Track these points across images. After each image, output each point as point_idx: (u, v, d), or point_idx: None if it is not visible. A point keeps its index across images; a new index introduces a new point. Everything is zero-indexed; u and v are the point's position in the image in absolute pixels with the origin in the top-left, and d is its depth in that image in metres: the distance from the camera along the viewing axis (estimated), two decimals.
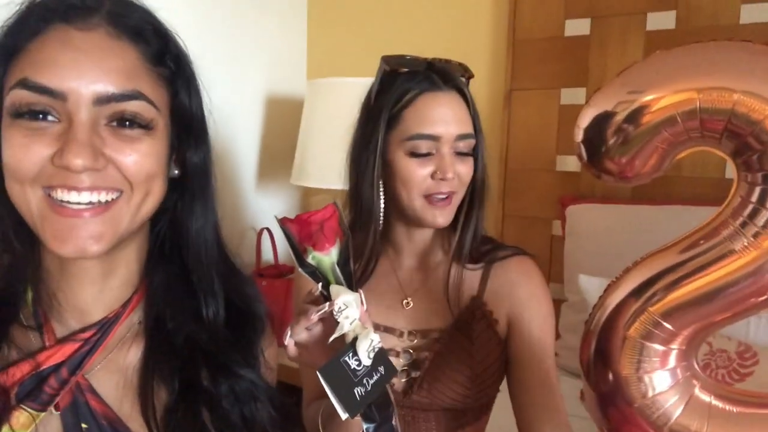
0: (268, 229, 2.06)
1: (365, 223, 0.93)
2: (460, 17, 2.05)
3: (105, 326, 0.60)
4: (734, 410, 0.91)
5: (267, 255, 2.07)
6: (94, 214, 0.53)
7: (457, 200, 0.91)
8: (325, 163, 1.80)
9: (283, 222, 0.66)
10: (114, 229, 0.55)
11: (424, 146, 0.88)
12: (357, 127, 0.95)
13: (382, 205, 0.92)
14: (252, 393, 0.63)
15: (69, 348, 0.58)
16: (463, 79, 0.93)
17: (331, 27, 2.32)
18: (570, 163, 1.88)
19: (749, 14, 1.62)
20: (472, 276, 0.94)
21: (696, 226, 1.01)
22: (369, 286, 0.94)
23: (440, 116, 0.88)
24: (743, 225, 0.86)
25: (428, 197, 0.88)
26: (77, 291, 0.60)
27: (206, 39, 1.92)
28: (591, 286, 1.45)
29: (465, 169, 0.90)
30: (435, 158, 0.88)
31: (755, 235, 0.85)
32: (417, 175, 0.88)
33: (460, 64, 0.94)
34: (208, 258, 0.64)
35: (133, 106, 0.55)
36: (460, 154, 0.89)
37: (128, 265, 0.63)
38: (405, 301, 0.94)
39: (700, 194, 1.62)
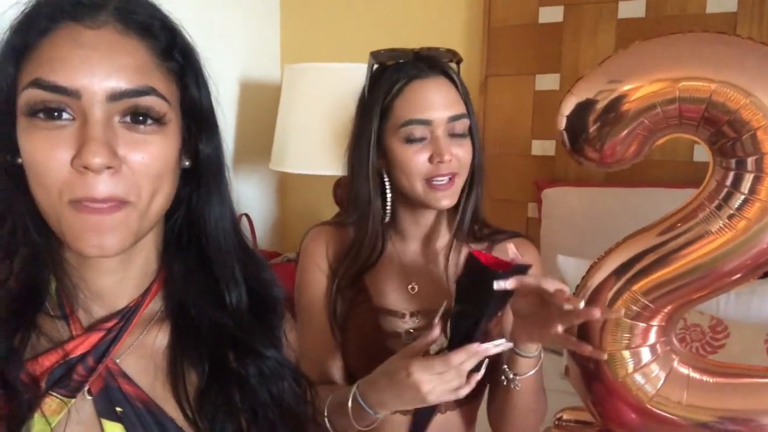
0: (247, 216, 2.06)
1: (363, 213, 0.95)
2: (436, 5, 2.06)
3: (127, 314, 0.62)
4: (711, 381, 0.97)
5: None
6: (113, 210, 0.55)
7: (460, 182, 0.93)
8: (305, 149, 1.81)
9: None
10: (129, 229, 0.56)
11: (417, 131, 0.90)
12: (353, 123, 0.97)
13: (389, 195, 0.94)
14: (278, 372, 0.66)
15: (94, 337, 0.60)
16: (453, 64, 0.95)
17: (304, 12, 2.30)
18: (545, 148, 1.92)
19: (715, 4, 1.68)
20: None
21: (666, 207, 1.06)
22: (374, 269, 0.97)
23: (429, 101, 0.90)
24: (719, 207, 0.92)
25: (429, 181, 0.90)
26: (98, 280, 0.61)
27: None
28: (568, 266, 1.51)
29: (462, 151, 0.91)
30: (430, 142, 0.90)
31: (730, 217, 0.90)
32: (415, 160, 0.90)
33: (448, 50, 0.95)
34: (227, 246, 0.65)
35: (146, 101, 0.55)
36: (456, 136, 0.91)
37: (146, 256, 0.64)
38: (410, 286, 0.97)
39: (670, 177, 1.69)
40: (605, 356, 0.90)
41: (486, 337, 0.80)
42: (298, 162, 1.83)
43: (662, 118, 0.94)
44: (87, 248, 0.54)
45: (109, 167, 0.53)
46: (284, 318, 0.70)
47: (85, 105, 0.53)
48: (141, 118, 0.56)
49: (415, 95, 0.90)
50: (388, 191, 0.94)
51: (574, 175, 1.85)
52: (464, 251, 0.97)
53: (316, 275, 1.00)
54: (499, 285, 0.76)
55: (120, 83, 0.54)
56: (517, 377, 0.90)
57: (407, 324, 0.94)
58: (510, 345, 0.80)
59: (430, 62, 0.93)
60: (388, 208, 0.95)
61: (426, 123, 0.89)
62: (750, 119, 0.86)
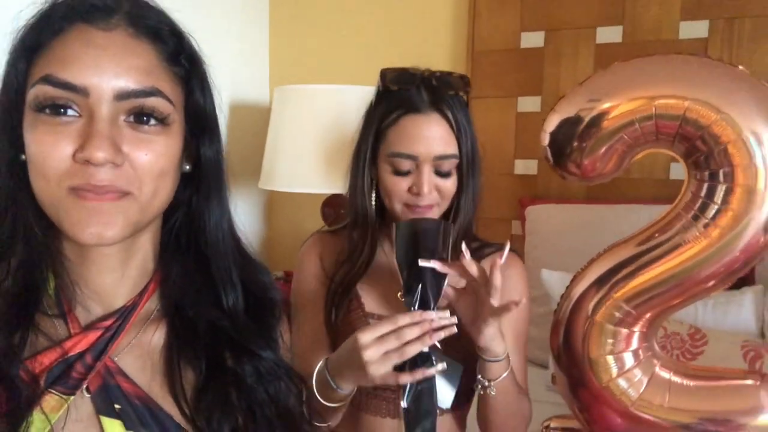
0: None
1: (361, 224, 0.98)
2: (421, 29, 2.13)
3: (124, 314, 0.63)
4: (691, 384, 1.01)
5: None
6: (113, 199, 0.55)
7: (438, 210, 0.96)
8: (294, 168, 1.84)
9: None
10: (127, 219, 0.57)
11: (403, 165, 0.93)
12: (358, 136, 1.00)
13: (372, 211, 0.97)
14: (275, 372, 0.66)
15: (92, 336, 0.60)
16: (462, 93, 0.97)
17: (293, 36, 2.36)
18: (528, 167, 1.98)
19: (687, 30, 1.76)
20: None
21: (643, 222, 1.11)
22: (367, 277, 1.00)
23: (419, 138, 0.93)
24: (695, 218, 0.97)
25: (408, 206, 0.94)
26: (97, 278, 0.62)
27: None
28: (552, 280, 1.55)
29: (446, 186, 0.95)
30: (414, 175, 0.94)
31: (705, 226, 0.95)
32: (397, 188, 0.94)
33: (461, 77, 0.99)
34: (225, 249, 0.66)
35: (151, 102, 0.57)
36: (443, 173, 0.94)
37: (143, 255, 0.65)
38: (400, 293, 1.00)
39: (647, 194, 1.75)
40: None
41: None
42: (288, 181, 1.86)
43: (640, 134, 0.99)
44: (85, 235, 0.55)
45: (111, 163, 0.54)
46: (281, 320, 0.71)
47: (92, 103, 0.55)
48: (145, 118, 0.57)
49: (407, 129, 0.94)
50: (372, 206, 0.97)
51: (556, 193, 1.91)
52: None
53: (312, 281, 1.02)
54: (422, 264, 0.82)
55: (128, 83, 0.56)
56: (492, 382, 0.92)
57: None
58: (454, 320, 0.82)
59: (433, 95, 0.94)
60: (374, 221, 0.98)
61: (412, 158, 0.93)
62: (721, 134, 0.92)
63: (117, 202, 0.56)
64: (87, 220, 0.55)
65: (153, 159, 0.57)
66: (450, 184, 0.94)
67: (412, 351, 0.79)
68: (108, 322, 0.61)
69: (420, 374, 0.80)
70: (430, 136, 0.92)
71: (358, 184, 0.98)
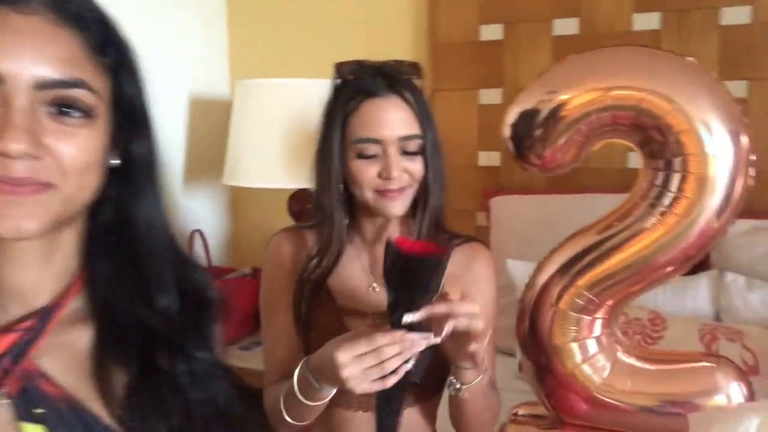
0: (199, 231, 2.04)
1: (329, 219, 0.98)
2: (382, 22, 2.12)
3: (45, 314, 0.59)
4: (652, 368, 1.05)
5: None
6: (32, 192, 0.52)
7: (410, 191, 0.96)
8: (259, 163, 1.82)
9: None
10: (48, 212, 0.54)
11: (369, 149, 0.93)
12: (318, 132, 1.00)
13: (341, 206, 0.97)
14: (212, 372, 0.64)
15: (10, 338, 0.57)
16: (417, 79, 0.98)
17: (252, 29, 2.32)
18: (491, 158, 1.99)
19: (640, 22, 1.80)
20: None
21: (603, 210, 1.14)
22: (337, 272, 0.99)
23: (382, 120, 0.93)
24: (652, 205, 1.00)
25: (379, 191, 0.94)
26: (16, 276, 0.59)
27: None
28: (517, 269, 1.58)
29: (414, 167, 0.95)
30: (381, 159, 0.94)
31: (662, 214, 0.98)
32: (365, 174, 0.94)
33: (412, 64, 0.99)
34: (158, 246, 0.63)
35: (74, 93, 0.54)
36: (409, 153, 0.95)
37: (66, 251, 0.61)
38: (370, 287, 1.00)
39: (606, 183, 1.78)
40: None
41: (423, 329, 0.80)
42: (253, 176, 1.84)
43: (597, 124, 1.02)
44: (2, 229, 0.52)
45: (30, 155, 0.51)
46: (218, 319, 0.69)
47: (8, 91, 0.51)
48: (68, 109, 0.54)
49: (369, 114, 0.94)
50: (341, 202, 0.97)
51: (519, 184, 1.94)
52: None
53: (280, 279, 1.02)
54: (406, 320, 0.77)
55: (48, 72, 0.52)
56: (464, 386, 0.92)
57: (370, 322, 0.97)
58: (437, 340, 0.80)
59: (389, 80, 0.95)
60: (344, 217, 0.98)
61: (377, 141, 0.93)
62: (674, 124, 0.94)
63: (37, 195, 0.53)
64: (4, 213, 0.52)
65: (76, 152, 0.54)
66: (418, 165, 0.95)
67: (391, 366, 0.78)
68: (28, 323, 0.58)
69: (394, 379, 0.79)
70: (393, 117, 0.93)
71: (326, 179, 0.97)
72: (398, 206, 0.94)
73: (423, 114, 0.95)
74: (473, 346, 0.83)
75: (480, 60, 1.98)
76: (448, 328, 0.79)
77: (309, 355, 0.88)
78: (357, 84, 0.95)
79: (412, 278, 0.79)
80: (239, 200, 2.40)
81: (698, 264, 1.56)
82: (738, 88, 1.65)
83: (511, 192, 1.90)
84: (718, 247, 1.57)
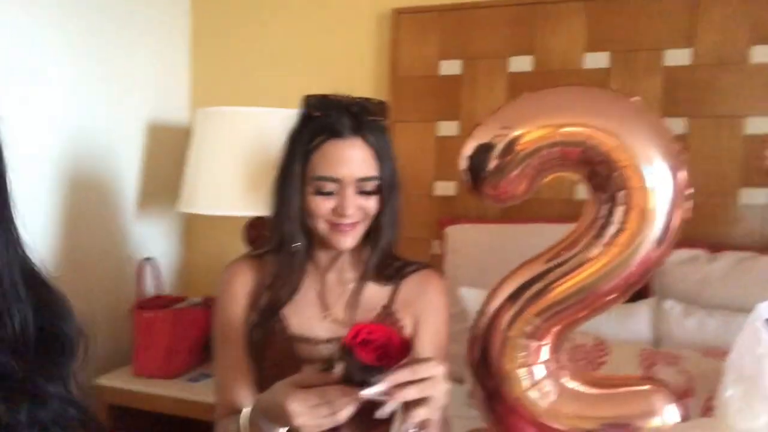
0: (150, 259, 2.01)
1: (288, 248, 0.99)
2: (345, 54, 2.16)
3: None
4: (595, 392, 1.08)
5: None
6: None
7: (360, 228, 0.99)
8: (217, 191, 1.81)
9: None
10: None
11: (327, 186, 0.97)
12: (280, 161, 1.02)
13: (301, 237, 0.98)
14: (63, 418, 0.57)
15: None
16: (381, 118, 1.01)
17: (214, 57, 2.34)
18: (446, 188, 2.05)
19: (591, 61, 1.90)
20: (384, 290, 1.04)
21: (553, 239, 1.19)
22: (291, 301, 1.00)
23: (343, 161, 0.97)
24: (596, 236, 1.05)
25: (332, 225, 0.97)
26: None
27: (83, 66, 1.86)
28: (470, 296, 1.61)
29: (369, 204, 0.99)
30: (338, 196, 0.97)
31: (606, 244, 1.03)
32: (321, 209, 0.97)
33: (380, 103, 1.02)
34: (8, 277, 0.59)
35: None
36: (365, 192, 0.98)
37: None
38: (325, 314, 1.01)
39: (555, 213, 1.85)
40: None
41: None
42: (210, 203, 1.83)
43: (547, 159, 1.07)
44: None
45: None
46: (73, 355, 0.62)
47: None
48: None
49: (330, 154, 0.97)
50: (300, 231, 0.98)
51: (474, 213, 1.99)
52: (369, 286, 1.03)
53: (235, 308, 1.02)
54: (368, 393, 0.78)
55: None
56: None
57: (323, 350, 0.98)
58: (393, 406, 0.80)
59: (354, 121, 0.98)
60: (302, 245, 0.99)
61: (335, 180, 0.96)
62: (618, 159, 1.00)
63: None
64: None
65: None
66: (373, 203, 0.98)
67: (344, 416, 0.80)
68: None
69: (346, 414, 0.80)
70: (353, 159, 0.96)
71: (285, 210, 0.99)
72: (349, 240, 0.98)
73: (383, 154, 0.98)
74: (425, 412, 0.83)
75: (439, 93, 2.04)
76: (405, 394, 0.79)
77: (257, 399, 0.88)
78: (322, 121, 0.98)
79: (370, 374, 0.79)
80: (192, 228, 2.37)
81: (639, 292, 1.63)
82: (679, 124, 1.76)
83: (465, 221, 1.95)
84: (658, 276, 1.65)
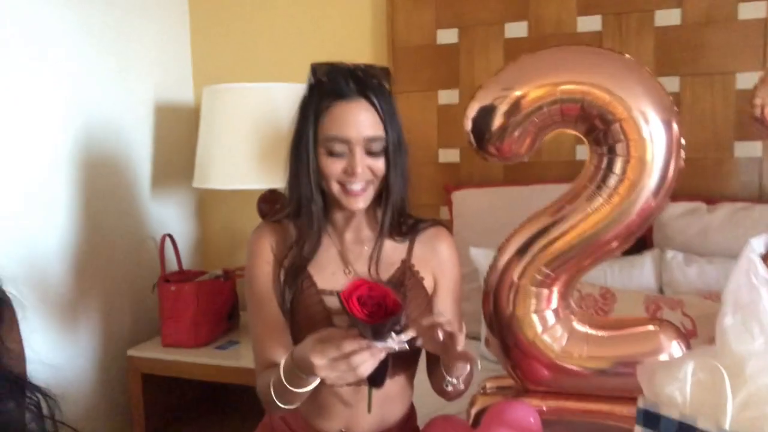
0: (170, 236, 2.08)
1: (306, 209, 1.05)
2: (344, 26, 2.20)
3: None
4: (605, 335, 1.16)
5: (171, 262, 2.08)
6: None
7: (372, 189, 1.04)
8: (229, 166, 1.87)
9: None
10: None
11: (337, 147, 1.02)
12: (293, 127, 1.07)
13: (318, 195, 1.04)
14: None
15: None
16: (385, 83, 1.06)
17: (214, 35, 2.36)
18: (451, 155, 2.10)
19: (583, 24, 1.93)
20: (401, 246, 1.10)
21: (554, 198, 1.24)
22: (315, 259, 1.06)
23: (350, 122, 1.01)
24: (598, 187, 1.11)
25: (344, 186, 1.03)
26: None
27: (89, 55, 1.90)
28: (480, 256, 1.68)
29: (377, 165, 1.03)
30: (348, 157, 1.03)
31: (608, 195, 1.10)
32: (332, 170, 1.03)
33: (382, 69, 1.08)
34: None
35: None
36: (373, 153, 1.03)
37: None
38: (346, 270, 1.07)
39: (556, 174, 1.90)
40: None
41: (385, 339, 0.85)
42: (222, 179, 1.89)
43: (548, 116, 1.12)
44: None
45: None
46: (4, 324, 0.61)
47: None
48: None
49: (338, 115, 1.02)
50: (318, 191, 1.05)
51: (478, 178, 2.05)
52: (388, 244, 1.09)
53: (264, 269, 1.08)
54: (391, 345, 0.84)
55: None
56: (460, 378, 1.03)
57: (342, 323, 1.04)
58: (404, 347, 0.87)
59: (360, 84, 1.03)
60: (321, 204, 1.05)
61: (345, 141, 1.01)
62: (615, 113, 1.06)
63: None
64: None
65: None
66: (381, 164, 1.03)
67: (365, 371, 0.85)
68: None
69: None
70: (359, 120, 1.01)
71: (301, 170, 1.05)
72: (361, 203, 1.03)
73: (388, 116, 1.03)
74: (460, 347, 0.91)
75: (437, 63, 2.08)
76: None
77: (292, 351, 0.94)
78: (330, 85, 1.03)
79: (369, 329, 0.84)
80: (207, 204, 2.43)
81: (642, 245, 1.71)
82: (672, 83, 1.80)
83: (470, 186, 2.01)
84: (659, 229, 1.71)
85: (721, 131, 1.82)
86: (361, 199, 1.04)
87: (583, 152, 1.89)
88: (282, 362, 0.94)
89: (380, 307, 0.83)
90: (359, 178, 1.02)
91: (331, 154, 1.02)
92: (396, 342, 0.86)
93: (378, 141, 1.02)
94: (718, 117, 1.82)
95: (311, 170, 1.04)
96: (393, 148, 1.04)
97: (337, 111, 1.02)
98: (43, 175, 1.79)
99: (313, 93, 1.05)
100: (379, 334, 0.83)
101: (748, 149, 1.80)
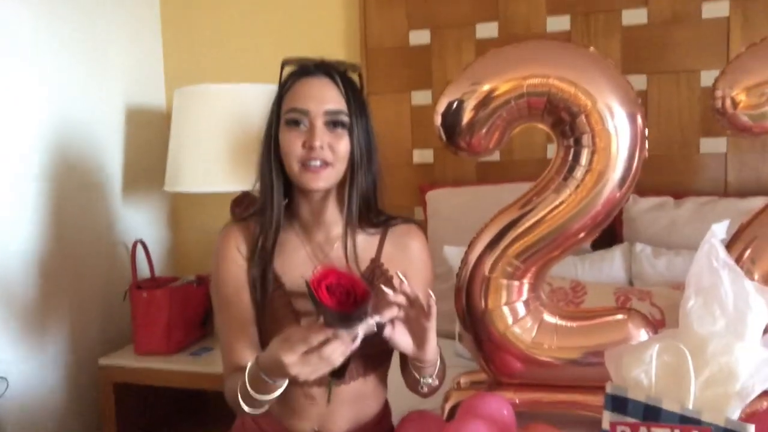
0: (142, 241, 2.04)
1: (268, 197, 1.04)
2: (316, 27, 2.20)
3: None
4: (574, 325, 1.17)
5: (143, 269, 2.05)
6: None
7: (333, 170, 1.01)
8: (201, 169, 1.84)
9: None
10: None
11: (295, 117, 1.01)
12: (266, 120, 1.06)
13: (280, 184, 1.03)
14: None
15: None
16: (352, 73, 1.06)
17: (186, 36, 2.34)
18: (424, 156, 2.11)
19: (553, 24, 1.96)
20: (370, 242, 1.08)
21: None
22: (283, 259, 1.05)
23: (309, 94, 1.01)
24: (565, 179, 1.12)
25: (304, 164, 1.01)
26: None
27: (58, 56, 1.86)
28: (453, 254, 1.69)
29: (338, 143, 1.00)
30: (308, 131, 1.01)
31: (575, 186, 1.11)
32: (292, 143, 1.01)
33: (353, 65, 1.08)
34: None
35: None
36: (335, 129, 1.01)
37: None
38: (314, 270, 1.05)
39: (529, 173, 1.90)
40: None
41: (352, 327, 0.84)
42: (194, 181, 1.87)
43: (515, 110, 1.14)
44: None
45: None
46: None
47: None
48: None
49: (299, 89, 1.03)
50: (277, 179, 1.04)
51: (452, 178, 2.06)
52: (359, 236, 1.08)
53: (231, 270, 1.06)
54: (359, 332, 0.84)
55: None
56: (432, 376, 1.03)
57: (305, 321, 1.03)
58: (373, 329, 0.86)
59: (325, 66, 1.04)
60: (281, 192, 1.05)
61: (304, 112, 1.01)
62: (579, 105, 1.07)
63: None
64: None
65: None
66: (343, 144, 1.01)
67: (338, 360, 0.84)
68: None
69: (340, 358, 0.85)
70: (320, 94, 1.01)
71: (265, 154, 1.04)
72: (321, 181, 1.01)
73: (353, 101, 1.02)
74: (430, 337, 0.93)
75: (410, 64, 2.10)
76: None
77: (258, 356, 0.92)
78: (296, 71, 1.04)
79: (337, 318, 0.83)
80: (180, 208, 2.40)
81: (612, 239, 1.73)
82: (639, 81, 1.84)
83: (444, 185, 2.02)
84: (628, 223, 1.74)
85: (687, 128, 1.85)
86: (321, 177, 1.01)
87: (553, 151, 1.91)
88: (247, 368, 0.93)
89: (349, 295, 0.83)
90: (318, 153, 1.00)
91: (289, 123, 1.01)
92: (364, 328, 0.85)
93: (339, 115, 1.01)
94: (684, 114, 1.85)
95: (272, 152, 1.04)
96: (359, 132, 1.02)
97: (298, 86, 1.03)
98: (9, 179, 1.75)
99: (281, 83, 1.05)
100: (346, 322, 0.83)
101: (713, 145, 1.84)
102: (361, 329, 0.85)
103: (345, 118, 1.01)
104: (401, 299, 0.90)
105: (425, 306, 0.90)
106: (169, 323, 1.90)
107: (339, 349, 0.84)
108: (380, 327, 0.89)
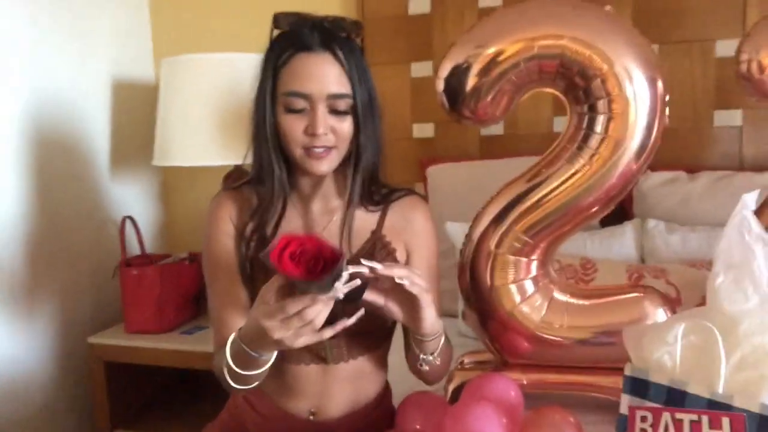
0: (131, 218, 1.97)
1: (268, 172, 0.97)
2: None
3: None
4: (585, 303, 1.10)
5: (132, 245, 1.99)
6: None
7: (337, 153, 0.96)
8: (190, 141, 1.76)
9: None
10: None
11: (297, 103, 0.92)
12: (255, 86, 0.98)
13: (278, 158, 0.96)
14: None
15: None
16: (354, 36, 0.97)
17: (175, 4, 2.26)
18: (425, 130, 2.03)
19: None
20: (371, 216, 1.02)
21: None
22: (279, 230, 0.98)
23: (311, 75, 0.92)
24: (579, 148, 1.05)
25: (307, 149, 0.94)
26: None
27: (42, 27, 1.79)
28: (455, 230, 1.62)
29: (342, 127, 0.94)
30: (309, 114, 0.94)
31: (590, 156, 1.04)
32: (293, 129, 0.93)
33: (354, 22, 0.99)
34: None
35: None
36: (338, 112, 0.94)
37: None
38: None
39: (533, 147, 1.84)
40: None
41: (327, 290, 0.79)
42: (184, 155, 1.79)
43: (525, 74, 1.06)
44: None
45: None
46: None
47: None
48: None
49: (299, 68, 0.93)
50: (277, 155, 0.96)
51: (453, 153, 1.98)
52: (358, 214, 1.01)
53: (222, 240, 1.00)
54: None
55: None
56: (434, 354, 0.96)
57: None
58: (357, 283, 0.80)
59: (325, 35, 0.94)
60: (283, 170, 0.97)
61: (305, 97, 0.93)
62: (595, 68, 1.00)
63: None
64: None
65: None
66: (346, 126, 0.94)
67: (320, 321, 0.78)
68: None
69: (341, 325, 0.81)
70: (323, 74, 0.92)
71: (260, 133, 0.96)
72: (325, 166, 0.94)
73: (356, 73, 0.93)
74: (426, 307, 0.87)
75: (409, 34, 2.01)
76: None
77: (240, 330, 0.87)
78: (291, 36, 0.94)
79: (309, 285, 0.77)
80: (171, 184, 2.33)
81: (623, 216, 1.67)
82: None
83: (446, 160, 1.95)
84: (639, 199, 1.67)
85: (700, 100, 1.77)
86: (324, 161, 0.94)
87: (560, 124, 1.84)
88: (228, 342, 0.87)
89: (318, 260, 0.75)
90: (321, 139, 0.93)
91: (290, 110, 0.93)
92: (343, 287, 0.78)
93: (343, 99, 0.93)
94: (698, 85, 1.77)
95: (269, 133, 0.96)
96: (363, 109, 0.95)
97: (297, 63, 0.93)
98: None
99: (273, 45, 0.96)
100: (323, 288, 0.76)
101: (727, 118, 1.76)
102: (342, 288, 0.78)
103: (349, 101, 0.93)
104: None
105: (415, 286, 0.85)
106: (159, 301, 1.84)
107: (321, 311, 0.78)
108: (365, 283, 0.83)
